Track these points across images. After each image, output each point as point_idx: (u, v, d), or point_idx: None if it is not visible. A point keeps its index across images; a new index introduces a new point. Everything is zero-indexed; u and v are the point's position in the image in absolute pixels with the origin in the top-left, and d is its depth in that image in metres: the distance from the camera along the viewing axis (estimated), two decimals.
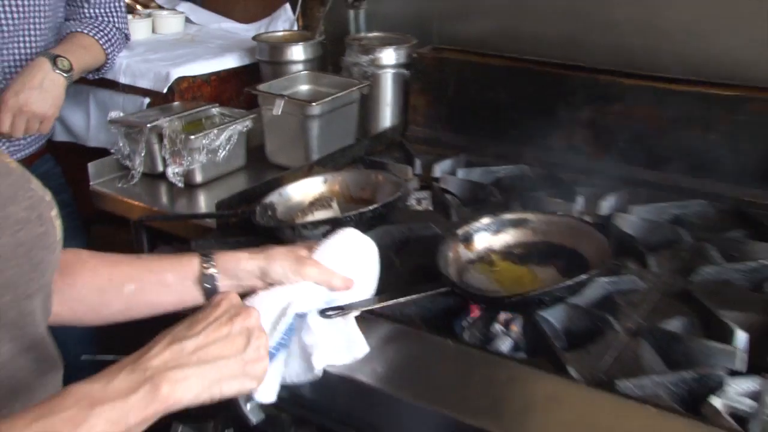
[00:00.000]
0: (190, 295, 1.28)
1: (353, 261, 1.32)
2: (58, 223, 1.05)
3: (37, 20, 1.98)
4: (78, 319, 1.29)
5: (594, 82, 2.01)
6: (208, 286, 1.26)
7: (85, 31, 2.08)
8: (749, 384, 1.27)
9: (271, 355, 1.14)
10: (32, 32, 1.98)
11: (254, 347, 1.07)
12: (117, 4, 2.17)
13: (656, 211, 1.81)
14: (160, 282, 1.29)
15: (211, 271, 1.27)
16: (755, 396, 1.24)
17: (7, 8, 1.91)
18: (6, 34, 1.93)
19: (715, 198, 1.86)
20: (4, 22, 1.91)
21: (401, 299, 1.30)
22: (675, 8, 2.05)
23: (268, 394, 1.17)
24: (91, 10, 2.10)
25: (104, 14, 2.12)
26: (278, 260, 1.27)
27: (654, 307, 1.42)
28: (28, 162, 2.10)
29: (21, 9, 1.93)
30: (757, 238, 1.70)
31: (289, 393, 1.38)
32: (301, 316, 1.22)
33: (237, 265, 1.28)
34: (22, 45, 1.97)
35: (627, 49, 2.12)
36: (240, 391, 1.08)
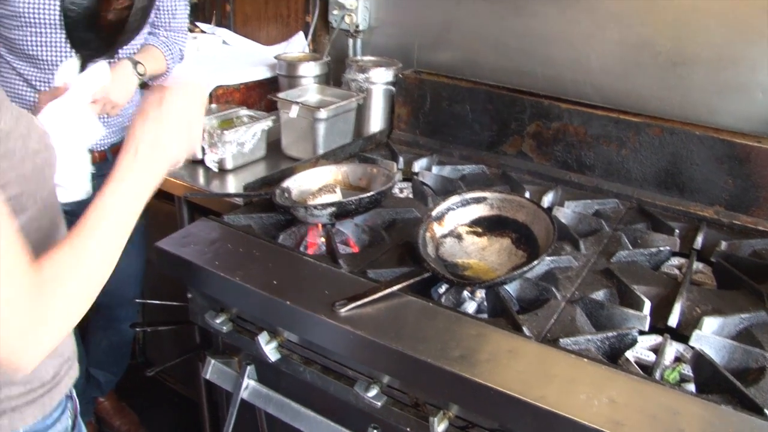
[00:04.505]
0: None
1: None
2: (52, 146, 1.06)
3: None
4: None
5: (539, 103, 1.98)
6: None
7: (159, 47, 2.06)
8: (652, 340, 1.28)
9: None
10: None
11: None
12: (184, 31, 2.15)
13: (584, 206, 1.80)
14: None
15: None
16: (656, 349, 1.25)
17: None
18: None
19: (625, 198, 1.87)
20: None
21: (395, 288, 1.24)
22: (597, 52, 2.03)
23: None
24: (166, 32, 2.09)
25: (174, 37, 2.10)
26: None
27: (584, 281, 1.40)
28: (112, 151, 2.06)
29: None
30: (655, 229, 1.72)
31: (299, 339, 1.35)
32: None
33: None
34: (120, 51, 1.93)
35: (561, 80, 2.10)
36: None
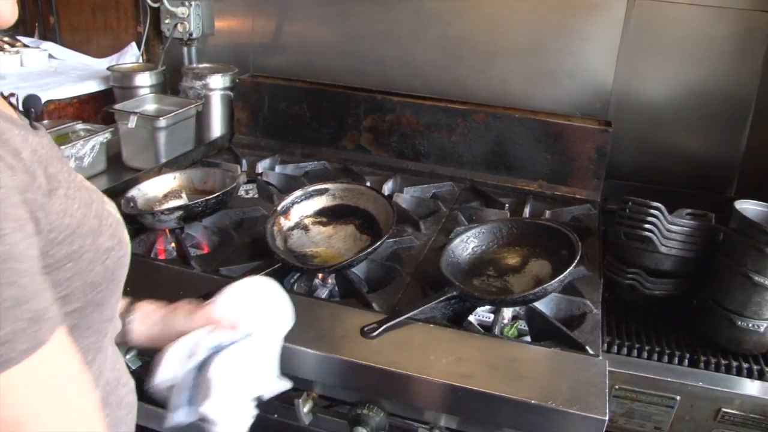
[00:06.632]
0: None
1: (247, 303, 1.03)
2: (128, 239, 0.84)
3: None
4: None
5: (372, 98, 2.06)
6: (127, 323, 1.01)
7: None
8: None
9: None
10: None
11: None
12: None
13: (421, 190, 1.90)
14: None
15: (132, 308, 1.03)
16: (494, 311, 1.35)
17: None
18: None
19: (459, 180, 1.98)
20: None
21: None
22: (423, 49, 2.16)
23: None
24: None
25: None
26: (177, 310, 1.03)
27: (426, 257, 1.48)
28: None
29: None
30: (487, 206, 1.84)
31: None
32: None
33: (150, 314, 1.03)
34: None
35: (391, 76, 2.21)
36: None
